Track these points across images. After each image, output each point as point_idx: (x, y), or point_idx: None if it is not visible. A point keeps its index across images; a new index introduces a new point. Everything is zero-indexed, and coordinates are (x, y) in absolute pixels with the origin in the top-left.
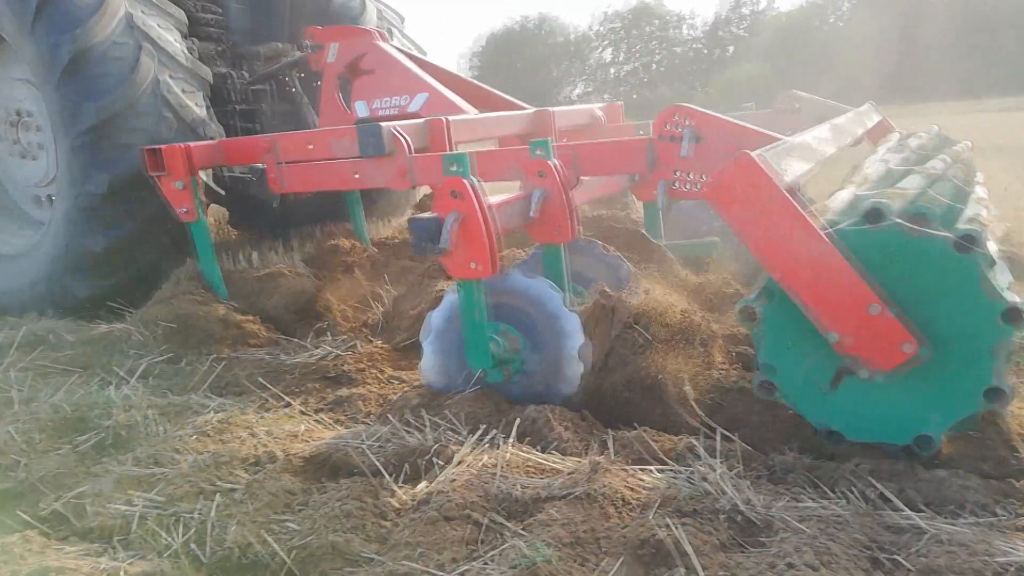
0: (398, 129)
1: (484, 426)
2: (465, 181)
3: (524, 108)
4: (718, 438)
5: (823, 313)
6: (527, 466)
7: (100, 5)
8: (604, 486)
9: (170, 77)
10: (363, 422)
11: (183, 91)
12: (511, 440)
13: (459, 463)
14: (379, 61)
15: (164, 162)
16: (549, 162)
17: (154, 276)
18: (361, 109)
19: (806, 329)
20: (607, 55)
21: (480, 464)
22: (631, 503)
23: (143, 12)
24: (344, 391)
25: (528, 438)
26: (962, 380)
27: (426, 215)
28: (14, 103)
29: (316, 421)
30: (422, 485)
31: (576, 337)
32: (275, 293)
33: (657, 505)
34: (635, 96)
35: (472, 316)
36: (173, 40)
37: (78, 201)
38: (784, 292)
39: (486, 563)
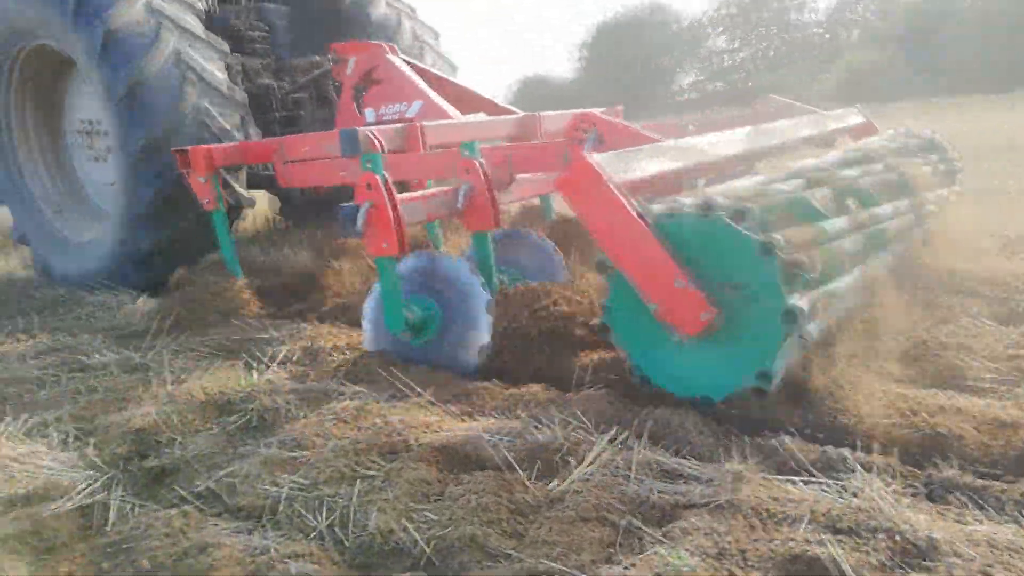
0: (373, 133)
1: (616, 427)
2: (377, 176)
3: (515, 113)
4: (875, 451)
5: (642, 286)
6: (662, 470)
7: (153, 42)
8: (748, 496)
9: (210, 103)
10: (490, 415)
11: (221, 114)
12: (643, 442)
13: (591, 463)
14: (387, 72)
15: (190, 161)
16: (475, 161)
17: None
18: (370, 115)
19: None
20: (720, 42)
21: (613, 465)
22: (777, 515)
23: (189, 47)
24: (471, 384)
25: (663, 441)
26: (744, 358)
27: (350, 203)
28: (88, 113)
29: (445, 412)
30: (555, 483)
31: (482, 314)
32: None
33: (807, 519)
34: (750, 84)
35: (387, 287)
36: (216, 71)
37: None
38: None
39: (627, 568)
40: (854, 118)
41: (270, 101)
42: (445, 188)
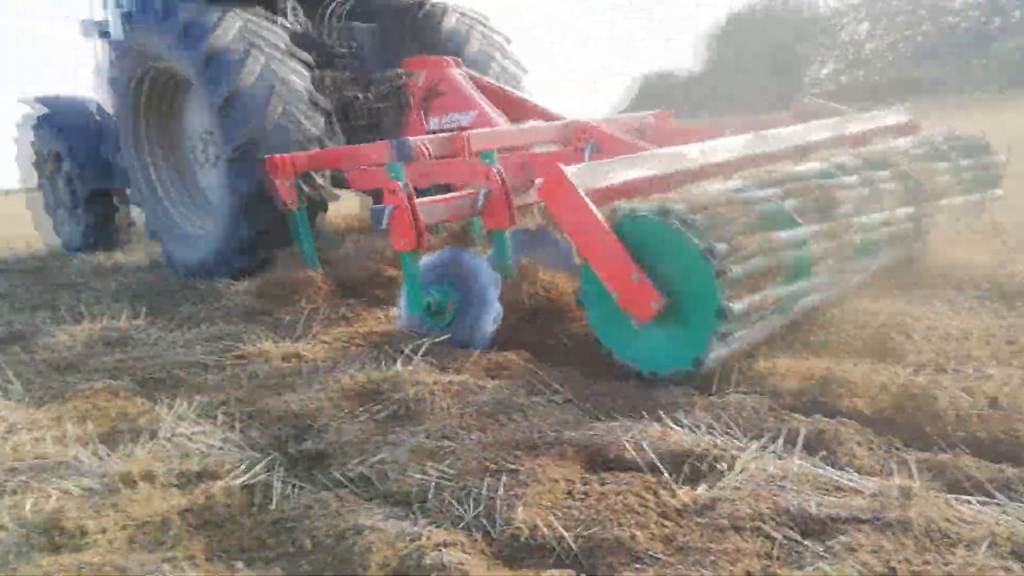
0: (422, 141)
1: (767, 434)
2: (398, 183)
3: (561, 119)
4: None
5: (604, 277)
6: (819, 482)
7: (246, 57)
8: (918, 514)
9: (295, 108)
10: (629, 415)
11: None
12: (798, 451)
13: (742, 470)
14: (449, 85)
15: (277, 167)
16: (492, 168)
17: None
18: (434, 124)
19: None
20: (862, 29)
21: (766, 474)
22: (951, 537)
23: (295, 108)
24: (606, 383)
25: (820, 451)
26: (684, 343)
27: (379, 206)
28: (203, 124)
29: (583, 410)
30: (703, 489)
31: (494, 301)
32: None
33: (987, 543)
34: (894, 73)
35: (408, 276)
36: (314, 128)
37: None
38: None
39: None
40: (893, 118)
41: (355, 111)
42: (468, 191)
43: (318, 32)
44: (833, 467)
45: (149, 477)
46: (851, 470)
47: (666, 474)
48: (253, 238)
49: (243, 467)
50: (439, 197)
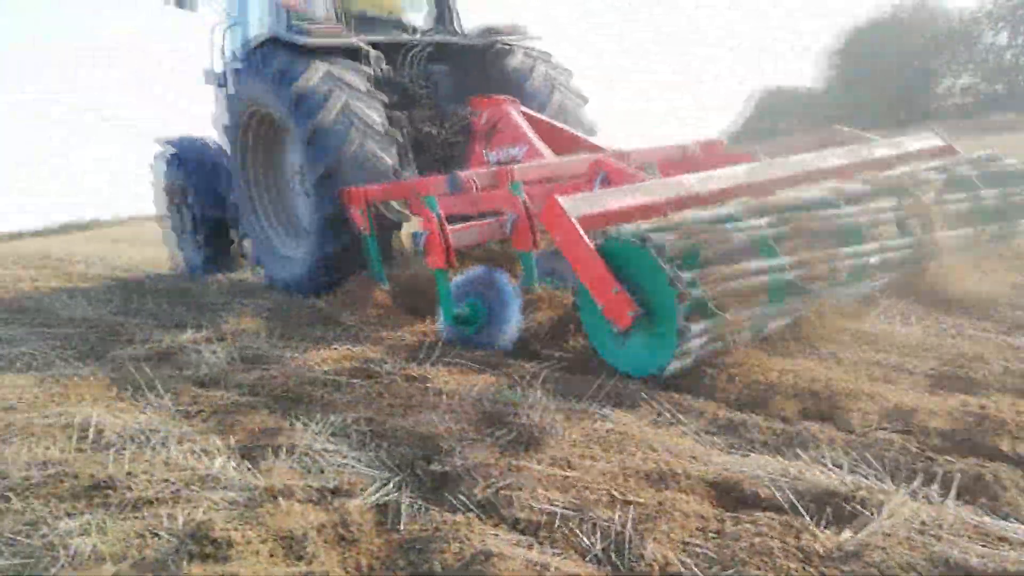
0: (472, 175)
1: (917, 477)
2: (432, 212)
3: (603, 150)
4: None
5: (592, 292)
6: (979, 532)
7: (327, 99)
8: None
9: (372, 140)
10: (762, 451)
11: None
12: (952, 497)
13: (891, 515)
14: (507, 122)
15: (351, 198)
16: (519, 197)
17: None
18: (492, 157)
19: None
20: (1002, 38)
21: (918, 521)
22: None
23: (357, 99)
24: (736, 415)
25: (978, 499)
26: (651, 353)
27: (419, 231)
28: (298, 160)
29: (711, 444)
30: (847, 534)
31: (517, 313)
32: None
33: None
34: None
35: (442, 291)
36: (387, 158)
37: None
38: None
39: None
40: (921, 144)
41: (430, 145)
42: (499, 218)
43: (399, 75)
44: (994, 516)
45: (288, 492)
46: (1015, 520)
47: (806, 516)
48: (334, 280)
49: (374, 486)
50: (473, 223)
